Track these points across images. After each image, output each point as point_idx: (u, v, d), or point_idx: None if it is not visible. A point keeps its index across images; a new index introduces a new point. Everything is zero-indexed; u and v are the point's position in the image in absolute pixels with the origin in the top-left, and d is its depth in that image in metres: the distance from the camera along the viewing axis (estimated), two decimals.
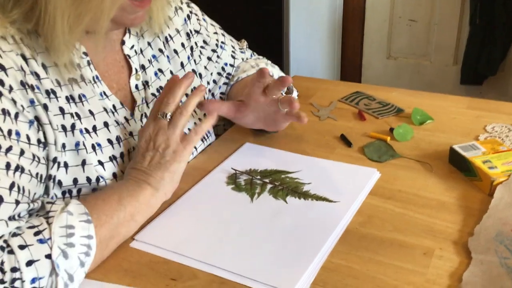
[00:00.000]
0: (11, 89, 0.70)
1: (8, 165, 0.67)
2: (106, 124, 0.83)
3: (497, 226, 0.74)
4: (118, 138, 0.85)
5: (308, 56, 2.91)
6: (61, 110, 0.77)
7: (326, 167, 0.93)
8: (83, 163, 0.79)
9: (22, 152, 0.69)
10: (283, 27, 2.83)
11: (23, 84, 0.72)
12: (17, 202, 0.67)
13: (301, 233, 0.75)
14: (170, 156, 0.80)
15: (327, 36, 2.88)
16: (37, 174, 0.72)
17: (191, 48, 1.02)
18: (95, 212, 0.71)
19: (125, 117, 0.88)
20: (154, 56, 0.95)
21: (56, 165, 0.76)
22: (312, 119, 1.11)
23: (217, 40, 1.09)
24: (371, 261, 0.70)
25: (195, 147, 0.98)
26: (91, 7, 0.72)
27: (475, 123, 1.07)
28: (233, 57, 1.12)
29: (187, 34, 1.02)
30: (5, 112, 0.69)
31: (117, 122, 0.86)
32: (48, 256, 0.63)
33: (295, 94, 1.18)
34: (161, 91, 0.94)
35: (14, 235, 0.64)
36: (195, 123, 0.99)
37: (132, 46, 0.91)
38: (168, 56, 0.97)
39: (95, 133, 0.82)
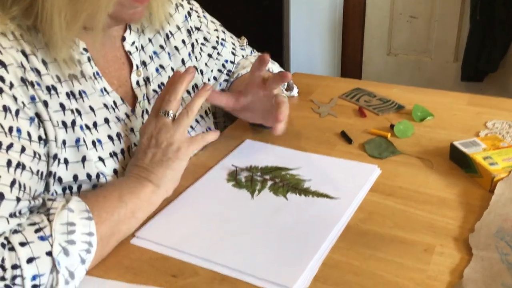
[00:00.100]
0: (11, 85, 0.70)
1: (9, 162, 0.67)
2: (106, 120, 0.83)
3: (498, 222, 0.74)
4: (118, 135, 0.85)
5: (308, 53, 2.91)
6: (62, 106, 0.77)
7: (326, 164, 0.93)
8: (83, 159, 0.79)
9: (23, 149, 0.69)
10: (283, 23, 2.83)
11: (23, 80, 0.72)
12: (18, 199, 0.67)
13: (301, 230, 0.75)
14: (172, 153, 0.80)
15: (328, 32, 2.88)
16: (38, 171, 0.72)
17: (192, 45, 1.02)
18: (96, 209, 0.71)
19: (126, 114, 0.88)
20: (155, 53, 0.95)
21: (56, 161, 0.76)
22: (312, 116, 1.11)
23: (217, 37, 1.09)
24: (372, 258, 0.70)
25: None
26: (88, 3, 0.71)
27: (475, 119, 1.07)
28: (234, 54, 1.12)
29: (188, 31, 1.02)
30: (6, 109, 0.69)
31: (117, 119, 0.86)
32: (49, 253, 0.63)
33: (295, 91, 1.18)
34: (162, 87, 0.94)
35: (15, 232, 0.64)
36: (196, 120, 0.99)
37: (133, 43, 0.91)
38: (169, 53, 0.97)
39: (96, 129, 0.82)
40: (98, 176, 0.80)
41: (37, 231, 0.64)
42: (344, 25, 2.88)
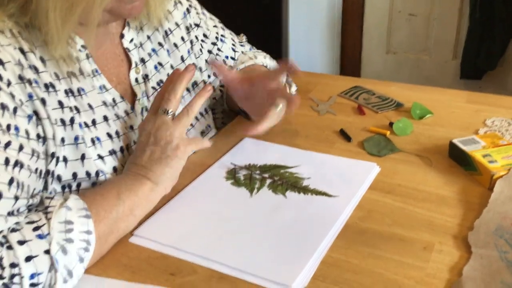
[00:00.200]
0: (9, 83, 0.70)
1: (7, 161, 0.67)
2: (105, 118, 0.83)
3: (497, 220, 0.74)
4: (117, 132, 0.85)
5: (308, 51, 2.91)
6: (60, 104, 0.77)
7: (325, 162, 0.92)
8: (83, 157, 0.79)
9: (21, 147, 0.69)
10: (282, 21, 2.82)
11: (21, 78, 0.72)
12: (16, 198, 0.66)
13: (300, 228, 0.75)
14: (171, 151, 0.80)
15: (327, 31, 2.88)
16: (36, 169, 0.72)
17: (191, 42, 1.02)
18: (94, 207, 0.71)
19: (125, 111, 0.87)
20: (153, 50, 0.95)
21: (54, 160, 0.75)
22: (311, 114, 1.11)
23: (217, 33, 1.09)
24: (371, 256, 0.70)
25: None
26: None
27: (474, 117, 1.07)
28: (234, 50, 1.12)
29: (187, 28, 1.02)
30: (3, 107, 0.68)
31: (117, 116, 0.85)
32: (47, 252, 0.63)
33: (294, 89, 1.18)
34: (161, 84, 0.94)
35: (13, 230, 0.64)
36: (196, 117, 0.99)
37: (132, 40, 0.91)
38: (168, 50, 0.97)
39: (95, 127, 0.81)
40: (97, 174, 0.80)
41: (35, 229, 0.64)
42: (343, 23, 2.88)
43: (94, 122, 0.81)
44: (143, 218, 0.78)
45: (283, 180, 0.87)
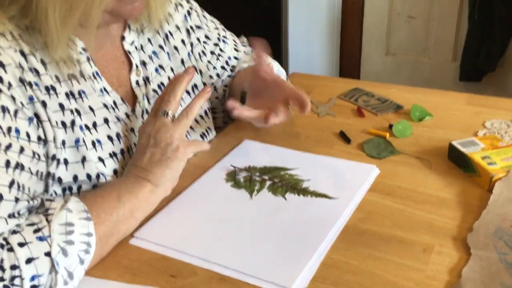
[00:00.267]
0: (10, 86, 0.70)
1: (7, 163, 0.67)
2: (106, 121, 0.83)
3: (496, 222, 0.74)
4: (118, 135, 0.85)
5: (307, 52, 2.91)
6: (61, 106, 0.77)
7: (325, 164, 0.93)
8: (83, 159, 0.79)
9: (22, 150, 0.69)
10: (281, 23, 2.83)
11: (22, 81, 0.72)
12: (17, 200, 0.66)
13: (300, 230, 0.75)
14: (171, 153, 0.80)
15: (326, 32, 2.88)
16: (37, 171, 0.72)
17: (191, 45, 1.02)
18: (95, 209, 0.71)
19: (126, 113, 0.88)
20: (154, 52, 0.95)
21: (55, 162, 0.75)
22: (311, 116, 1.11)
23: (218, 34, 1.09)
24: (371, 257, 0.70)
25: None
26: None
27: (474, 119, 1.07)
28: (236, 50, 1.13)
29: (187, 31, 1.02)
30: (4, 109, 0.69)
31: (117, 118, 0.86)
32: (48, 254, 0.63)
33: (276, 68, 1.19)
34: (162, 87, 0.94)
35: (14, 232, 0.64)
36: (196, 120, 0.99)
37: (132, 42, 0.91)
38: (168, 53, 0.97)
39: (95, 129, 0.82)
40: (98, 176, 0.80)
41: (35, 231, 0.64)
42: (343, 24, 2.88)
43: (94, 125, 0.81)
44: (144, 220, 0.78)
45: (283, 182, 0.87)
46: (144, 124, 0.84)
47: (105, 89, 0.85)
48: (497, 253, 0.68)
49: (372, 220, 0.78)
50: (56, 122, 0.76)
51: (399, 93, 1.20)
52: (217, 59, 1.08)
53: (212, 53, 1.08)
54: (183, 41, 1.00)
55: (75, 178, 0.78)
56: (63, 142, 0.77)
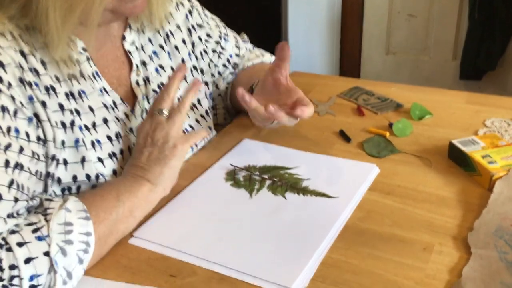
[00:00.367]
0: (9, 85, 0.70)
1: (7, 163, 0.67)
2: (105, 121, 0.83)
3: (497, 221, 0.74)
4: (117, 135, 0.85)
5: (307, 52, 2.91)
6: (61, 106, 0.77)
7: (325, 163, 0.92)
8: (83, 160, 0.79)
9: (21, 149, 0.69)
10: (281, 22, 2.83)
11: (21, 80, 0.72)
12: (16, 200, 0.66)
13: (300, 229, 0.75)
14: (169, 150, 0.80)
15: (326, 31, 2.88)
16: (36, 171, 0.72)
17: (193, 44, 1.02)
18: (94, 208, 0.71)
19: (125, 113, 0.87)
20: (154, 52, 0.95)
21: (54, 162, 0.75)
22: None
23: (220, 32, 1.10)
24: (371, 257, 0.70)
25: (196, 144, 0.98)
26: None
27: (474, 118, 1.07)
28: (238, 47, 1.13)
29: (188, 30, 1.02)
30: (4, 109, 0.68)
31: (117, 118, 0.85)
32: (47, 253, 0.63)
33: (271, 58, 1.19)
34: (162, 87, 0.94)
35: (13, 232, 0.64)
36: (196, 119, 0.99)
37: (133, 42, 0.91)
38: (168, 52, 0.97)
39: (95, 129, 0.81)
40: (97, 177, 0.80)
41: (34, 231, 0.64)
42: (343, 23, 2.88)
43: (94, 125, 0.81)
44: (143, 219, 0.78)
45: (282, 181, 0.87)
46: (141, 124, 0.84)
47: (104, 89, 0.84)
48: (497, 252, 0.68)
49: (372, 219, 0.77)
50: (56, 122, 0.76)
51: (399, 91, 1.19)
52: (219, 57, 1.09)
53: (214, 51, 1.08)
54: (184, 41, 1.00)
55: (75, 178, 0.78)
56: (63, 142, 0.76)
